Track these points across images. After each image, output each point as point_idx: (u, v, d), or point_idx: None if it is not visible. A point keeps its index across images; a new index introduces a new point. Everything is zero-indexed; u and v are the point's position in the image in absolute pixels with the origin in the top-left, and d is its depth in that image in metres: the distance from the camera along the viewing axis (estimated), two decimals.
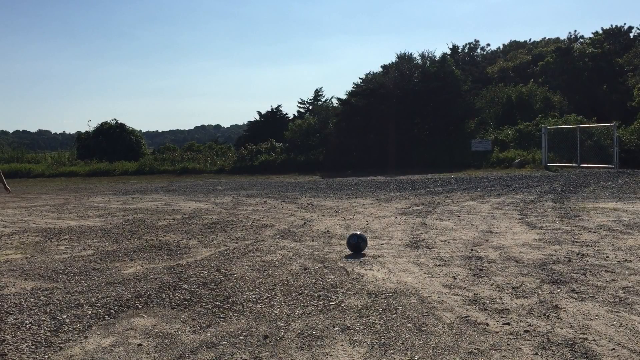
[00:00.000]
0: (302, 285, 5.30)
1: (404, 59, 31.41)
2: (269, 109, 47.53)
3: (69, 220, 10.82)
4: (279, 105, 48.14)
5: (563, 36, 64.96)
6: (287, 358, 3.58)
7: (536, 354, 3.51)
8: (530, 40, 60.91)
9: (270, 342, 3.85)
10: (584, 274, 5.44)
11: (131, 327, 4.25)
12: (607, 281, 5.16)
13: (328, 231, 8.56)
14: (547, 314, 4.25)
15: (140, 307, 4.76)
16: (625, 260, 6.01)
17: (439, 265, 6.03)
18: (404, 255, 6.59)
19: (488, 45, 65.97)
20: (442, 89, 28.96)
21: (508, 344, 3.68)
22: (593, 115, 29.17)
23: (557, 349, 3.56)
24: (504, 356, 3.50)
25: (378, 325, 4.11)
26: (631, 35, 47.33)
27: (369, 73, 32.14)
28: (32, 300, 5.00)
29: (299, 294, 5.02)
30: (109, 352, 3.75)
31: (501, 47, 60.92)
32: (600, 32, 47.66)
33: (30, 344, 3.92)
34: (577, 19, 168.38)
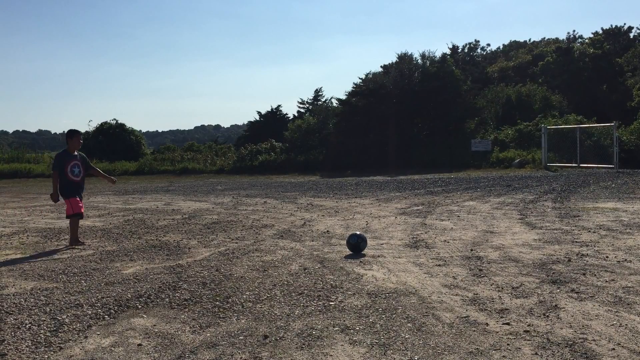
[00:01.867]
0: (302, 285, 5.30)
1: (404, 59, 31.41)
2: (269, 109, 47.64)
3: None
4: (279, 105, 48.27)
5: (562, 36, 64.97)
6: (287, 358, 3.58)
7: (536, 354, 3.51)
8: (530, 40, 61.07)
9: (270, 342, 3.85)
10: (584, 274, 5.44)
11: (131, 327, 4.25)
12: (607, 281, 5.16)
13: (328, 231, 8.56)
14: (547, 314, 4.25)
15: (140, 307, 4.76)
16: (625, 260, 6.01)
17: (439, 265, 6.03)
18: (403, 255, 6.59)
19: (488, 45, 66.11)
20: (442, 89, 28.97)
21: (508, 344, 3.68)
22: (593, 115, 29.20)
23: (557, 349, 3.56)
24: (503, 356, 3.50)
25: (378, 325, 4.11)
26: (631, 35, 47.39)
27: (369, 73, 32.13)
28: (32, 300, 5.00)
29: (298, 294, 5.02)
30: (108, 352, 3.75)
31: (501, 47, 61.03)
32: (600, 32, 47.70)
33: (30, 344, 3.91)
34: (576, 19, 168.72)
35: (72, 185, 7.85)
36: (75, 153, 7.98)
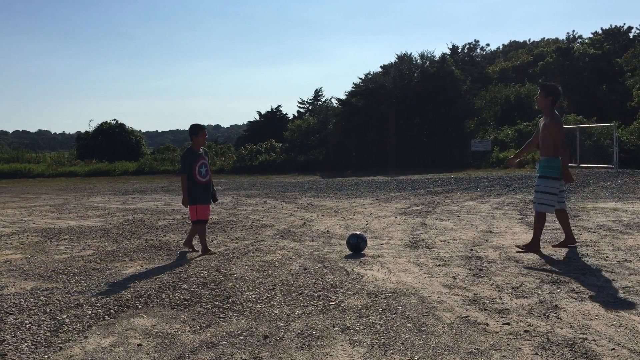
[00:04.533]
0: (302, 285, 5.30)
1: (404, 59, 31.42)
2: (269, 109, 47.72)
3: (68, 220, 10.82)
4: (279, 105, 48.37)
5: (562, 36, 64.99)
6: (287, 358, 3.58)
7: (536, 354, 3.51)
8: (530, 40, 61.09)
9: (270, 342, 3.85)
10: (584, 274, 5.44)
11: (131, 327, 4.25)
12: (607, 281, 5.16)
13: (328, 231, 8.56)
14: (547, 314, 4.25)
15: (140, 307, 4.76)
16: (625, 260, 6.01)
17: (439, 265, 6.03)
18: (403, 255, 6.59)
19: (488, 45, 66.13)
20: (441, 89, 28.99)
21: (508, 344, 3.68)
22: (593, 115, 29.20)
23: (557, 349, 3.56)
24: (504, 356, 3.50)
25: (378, 325, 4.11)
26: (630, 35, 47.40)
27: (369, 73, 32.21)
28: (32, 300, 5.00)
29: (298, 294, 5.02)
30: (108, 352, 3.74)
31: (501, 47, 61.04)
32: (600, 32, 47.71)
33: (30, 344, 3.91)
34: (576, 19, 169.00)
35: (199, 188, 6.98)
36: (201, 151, 7.12)
